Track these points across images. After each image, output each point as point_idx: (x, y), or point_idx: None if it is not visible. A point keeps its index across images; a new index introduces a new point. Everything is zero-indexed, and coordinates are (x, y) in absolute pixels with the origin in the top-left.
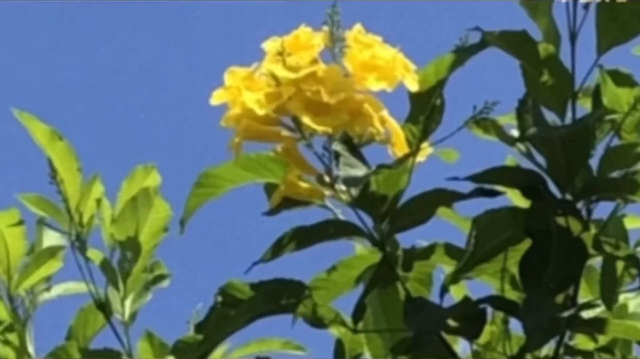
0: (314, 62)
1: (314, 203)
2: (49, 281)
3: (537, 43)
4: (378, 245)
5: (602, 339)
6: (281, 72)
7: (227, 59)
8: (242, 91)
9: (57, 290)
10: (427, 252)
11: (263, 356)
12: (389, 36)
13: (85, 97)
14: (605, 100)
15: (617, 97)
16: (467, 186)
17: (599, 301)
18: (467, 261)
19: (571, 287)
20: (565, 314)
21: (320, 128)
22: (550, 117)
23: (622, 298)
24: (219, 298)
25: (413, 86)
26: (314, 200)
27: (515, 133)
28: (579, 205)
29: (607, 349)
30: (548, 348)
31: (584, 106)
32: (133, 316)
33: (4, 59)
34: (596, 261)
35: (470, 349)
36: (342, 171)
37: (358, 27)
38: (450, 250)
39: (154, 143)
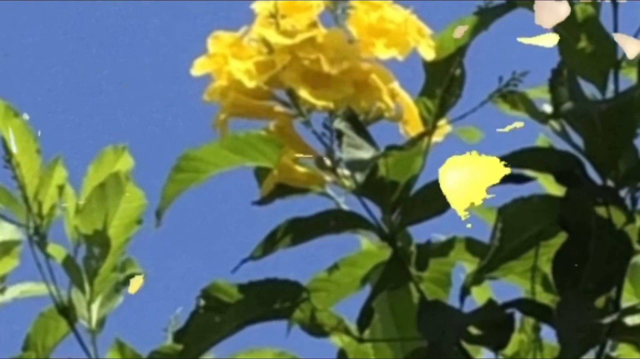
0: (313, 25)
1: (312, 191)
2: (3, 281)
3: (573, 3)
4: (387, 239)
5: None
6: (274, 38)
7: (211, 22)
8: (229, 59)
9: (13, 291)
10: (444, 248)
11: None
12: None
13: (44, 67)
14: None
15: None
16: None
17: None
18: (492, 259)
19: (613, 288)
20: (606, 320)
21: (319, 103)
22: (589, 89)
23: None
24: (202, 302)
25: (428, 54)
26: (312, 186)
27: (547, 108)
28: (623, 192)
29: None
30: None
31: (628, 77)
32: (101, 322)
33: None
34: None
35: None
36: (346, 153)
37: None
38: (472, 246)
39: (125, 121)
